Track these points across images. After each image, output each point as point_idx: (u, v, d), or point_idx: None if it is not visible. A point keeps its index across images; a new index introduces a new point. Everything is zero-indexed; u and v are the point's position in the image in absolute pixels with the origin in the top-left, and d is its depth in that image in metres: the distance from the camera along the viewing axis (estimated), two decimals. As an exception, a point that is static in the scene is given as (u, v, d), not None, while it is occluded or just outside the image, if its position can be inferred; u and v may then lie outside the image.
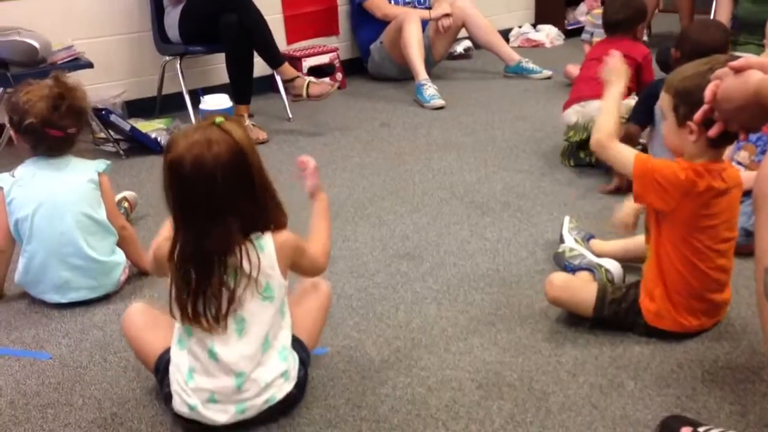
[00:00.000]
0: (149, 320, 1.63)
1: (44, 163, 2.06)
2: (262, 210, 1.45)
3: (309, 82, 3.52)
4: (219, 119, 1.41)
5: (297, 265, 1.55)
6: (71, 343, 1.88)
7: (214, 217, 1.39)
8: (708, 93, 1.35)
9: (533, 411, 1.54)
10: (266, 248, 1.45)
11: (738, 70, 1.30)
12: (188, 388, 1.47)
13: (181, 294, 1.42)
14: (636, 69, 2.90)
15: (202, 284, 1.41)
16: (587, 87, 2.92)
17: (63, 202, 2.01)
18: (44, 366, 1.79)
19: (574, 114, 2.88)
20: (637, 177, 1.68)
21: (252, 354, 1.46)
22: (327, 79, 3.56)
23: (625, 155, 1.73)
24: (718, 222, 1.67)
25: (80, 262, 2.03)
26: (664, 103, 1.70)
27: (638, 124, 2.58)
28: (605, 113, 1.82)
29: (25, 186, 2.04)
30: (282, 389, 1.50)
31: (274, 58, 3.53)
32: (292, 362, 1.53)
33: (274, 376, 1.49)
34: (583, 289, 1.82)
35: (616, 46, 2.99)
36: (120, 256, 2.13)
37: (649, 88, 2.67)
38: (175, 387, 1.49)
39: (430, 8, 4.47)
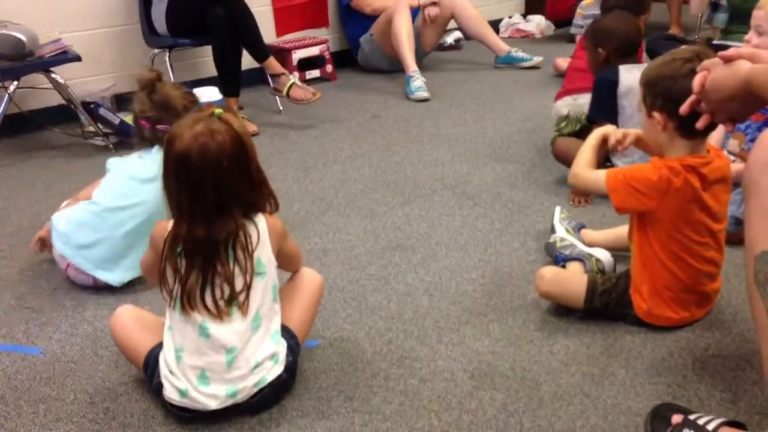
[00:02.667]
0: (138, 321, 1.63)
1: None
2: (258, 196, 1.50)
3: (293, 83, 3.49)
4: (218, 111, 1.46)
5: (281, 251, 1.57)
6: (62, 338, 1.88)
7: (220, 205, 1.43)
8: (696, 83, 1.36)
9: (525, 401, 1.54)
10: (260, 225, 1.50)
11: (727, 60, 1.30)
12: (177, 371, 1.48)
13: (183, 283, 1.44)
14: None
15: (209, 272, 1.44)
16: (579, 78, 2.90)
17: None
18: (35, 361, 1.79)
19: (565, 107, 2.87)
20: (613, 191, 1.69)
21: (243, 329, 1.47)
22: (311, 88, 3.53)
23: (596, 175, 1.76)
24: (704, 216, 1.67)
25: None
26: (639, 95, 1.72)
27: (606, 121, 2.43)
28: (582, 152, 1.84)
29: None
30: (272, 372, 1.51)
31: (260, 52, 3.51)
32: (281, 346, 1.55)
33: (264, 356, 1.50)
34: (573, 282, 1.83)
35: None
36: None
37: (597, 80, 2.58)
38: (164, 373, 1.50)
39: None
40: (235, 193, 1.45)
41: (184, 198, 1.43)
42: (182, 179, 1.43)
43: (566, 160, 2.61)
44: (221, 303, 1.45)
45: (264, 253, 1.50)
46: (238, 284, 1.46)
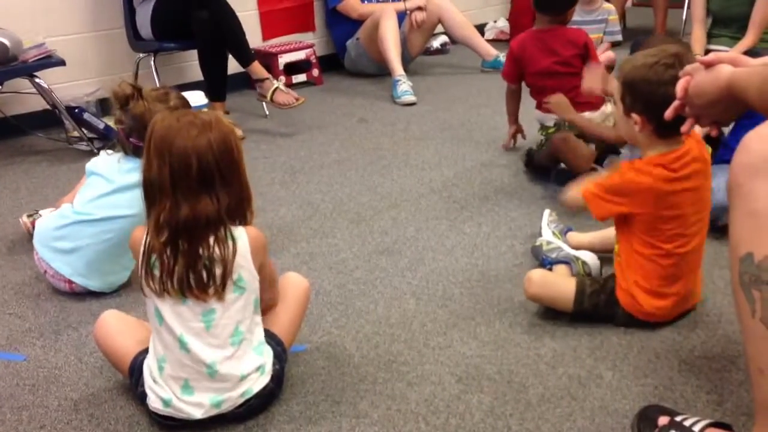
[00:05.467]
0: (122, 327, 1.61)
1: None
2: (241, 199, 1.46)
3: (277, 88, 3.48)
4: (204, 111, 1.44)
5: (260, 269, 1.51)
6: (46, 344, 1.86)
7: (206, 188, 1.40)
8: (679, 89, 1.37)
9: (513, 404, 1.54)
10: (240, 239, 1.45)
11: (708, 65, 1.31)
12: (161, 380, 1.46)
13: (166, 264, 1.41)
14: (581, 58, 2.70)
15: (193, 253, 1.40)
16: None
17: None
18: (19, 367, 1.77)
19: (551, 119, 2.79)
20: (589, 201, 1.75)
21: (219, 344, 1.45)
22: (294, 92, 3.52)
23: (573, 193, 1.83)
24: (681, 212, 1.70)
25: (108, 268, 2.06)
26: (615, 90, 1.74)
27: None
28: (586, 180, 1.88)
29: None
30: (258, 382, 1.50)
31: (245, 56, 3.49)
32: (267, 356, 1.52)
33: (250, 369, 1.48)
34: (561, 285, 1.83)
35: (557, 37, 2.76)
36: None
37: None
38: (149, 383, 1.48)
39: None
40: (221, 183, 1.40)
41: (166, 175, 1.38)
42: (164, 157, 1.38)
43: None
44: (216, 286, 1.42)
45: (245, 270, 1.46)
46: (227, 271, 1.42)
